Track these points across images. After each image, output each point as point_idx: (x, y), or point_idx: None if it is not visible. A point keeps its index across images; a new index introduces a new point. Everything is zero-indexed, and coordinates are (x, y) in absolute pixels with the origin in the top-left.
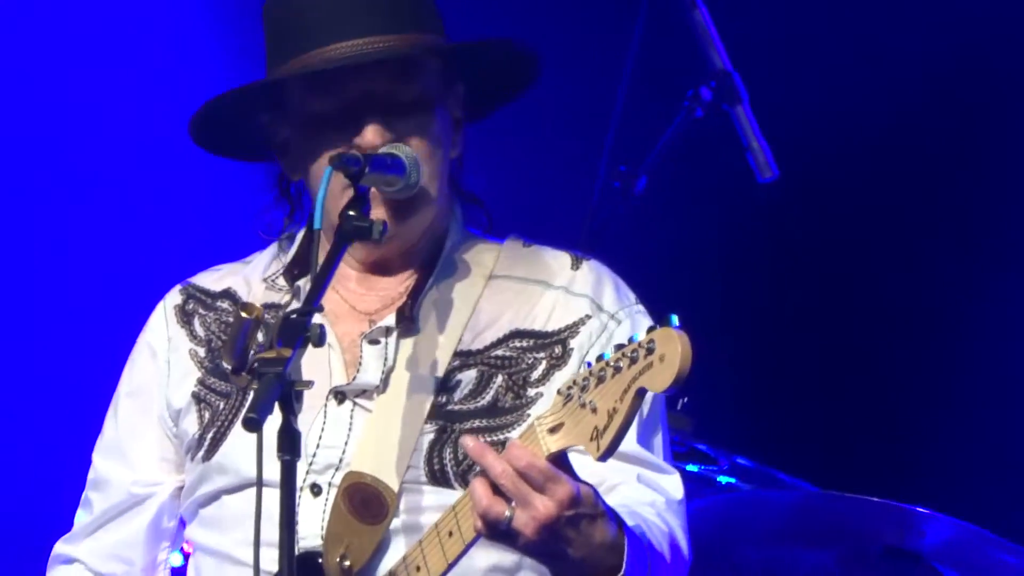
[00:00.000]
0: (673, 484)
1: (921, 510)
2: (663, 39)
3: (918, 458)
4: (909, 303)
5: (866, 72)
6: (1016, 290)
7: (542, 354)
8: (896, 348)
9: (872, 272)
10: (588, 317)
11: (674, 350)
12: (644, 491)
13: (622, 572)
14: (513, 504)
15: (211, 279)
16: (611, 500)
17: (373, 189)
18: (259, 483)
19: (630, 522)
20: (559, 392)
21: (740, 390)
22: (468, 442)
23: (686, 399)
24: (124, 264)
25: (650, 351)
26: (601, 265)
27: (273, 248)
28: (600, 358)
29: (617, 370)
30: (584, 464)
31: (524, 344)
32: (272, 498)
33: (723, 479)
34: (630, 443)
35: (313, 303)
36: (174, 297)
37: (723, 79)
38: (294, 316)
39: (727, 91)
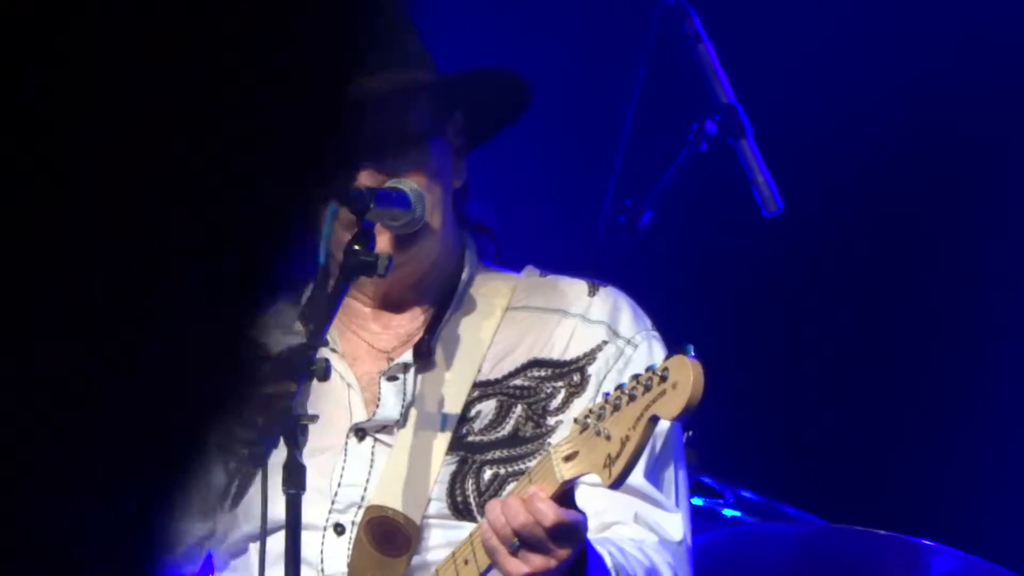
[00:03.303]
0: (673, 524)
1: (927, 543)
2: (668, 73)
3: (926, 491)
4: (918, 336)
5: (872, 105)
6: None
7: (560, 383)
8: (903, 380)
9: (879, 305)
10: (605, 343)
11: (686, 377)
12: (637, 530)
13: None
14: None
15: None
16: (601, 535)
17: (378, 224)
18: (264, 517)
19: (600, 548)
20: (576, 420)
21: (746, 423)
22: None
23: (691, 432)
24: None
25: (663, 379)
26: (618, 291)
27: (284, 298)
28: (619, 387)
29: (632, 398)
30: (587, 497)
31: (542, 373)
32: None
33: (728, 512)
34: (636, 476)
35: (318, 337)
36: None
37: (727, 113)
38: (298, 350)
39: (731, 125)
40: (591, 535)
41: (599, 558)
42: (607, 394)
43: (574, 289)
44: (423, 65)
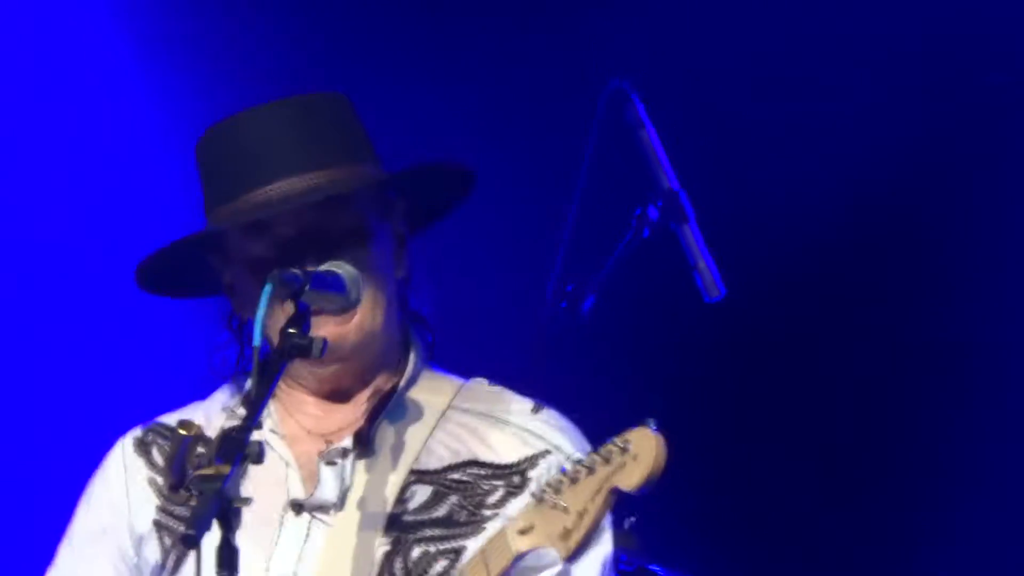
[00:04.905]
0: None
1: None
2: (613, 158)
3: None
4: (863, 422)
5: (815, 191)
6: (973, 388)
7: (500, 482)
8: (853, 469)
9: (822, 391)
10: (548, 452)
11: (648, 448)
12: None
13: None
14: None
15: (170, 417)
16: None
17: (321, 314)
18: None
19: None
20: (532, 494)
21: (691, 508)
22: None
23: (634, 519)
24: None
25: (624, 450)
26: (561, 415)
27: (230, 385)
28: (576, 461)
29: (591, 471)
30: None
31: (481, 472)
32: None
33: None
34: None
35: (252, 420)
36: (133, 433)
37: (670, 198)
38: (233, 433)
39: (674, 210)
40: None
41: None
42: (564, 469)
43: (518, 404)
44: (368, 159)
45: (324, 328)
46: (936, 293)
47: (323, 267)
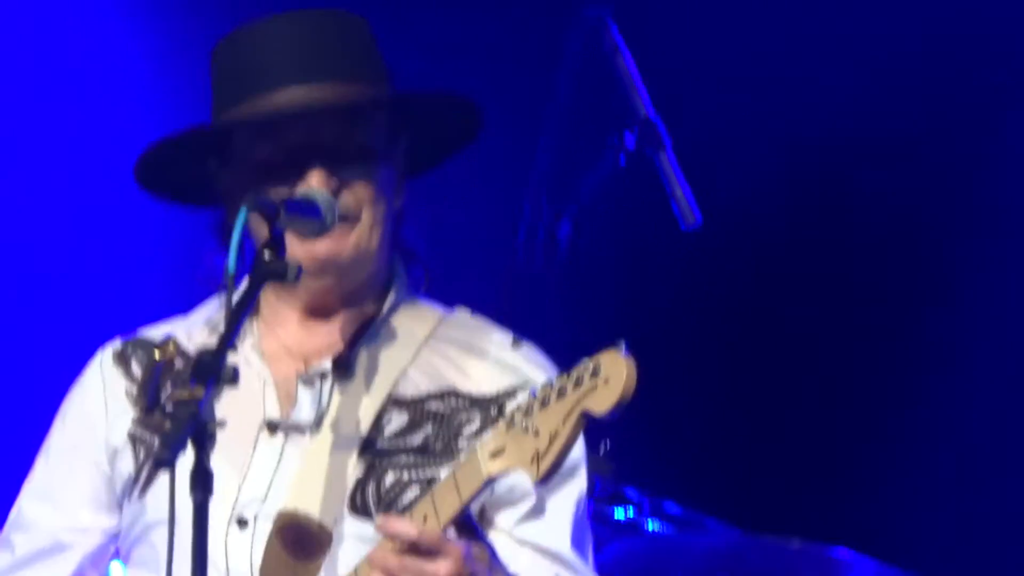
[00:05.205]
0: None
1: (842, 553)
2: (588, 85)
3: (845, 501)
4: (835, 350)
5: (792, 118)
6: (940, 341)
7: (477, 413)
8: (823, 392)
9: (798, 316)
10: (526, 386)
11: (619, 372)
12: None
13: None
14: None
15: (153, 329)
16: None
17: (336, 233)
18: (171, 523)
19: None
20: (503, 417)
21: (667, 434)
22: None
23: (608, 444)
24: (69, 316)
25: (595, 374)
26: (540, 351)
27: (216, 298)
28: (547, 384)
29: (561, 394)
30: (512, 557)
31: (458, 404)
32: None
33: (650, 525)
34: (562, 543)
35: (227, 343)
36: (113, 345)
37: (646, 126)
38: (207, 356)
39: (650, 138)
40: None
41: None
42: (534, 391)
43: (499, 336)
44: (385, 82)
45: (322, 243)
46: (917, 217)
47: (298, 192)
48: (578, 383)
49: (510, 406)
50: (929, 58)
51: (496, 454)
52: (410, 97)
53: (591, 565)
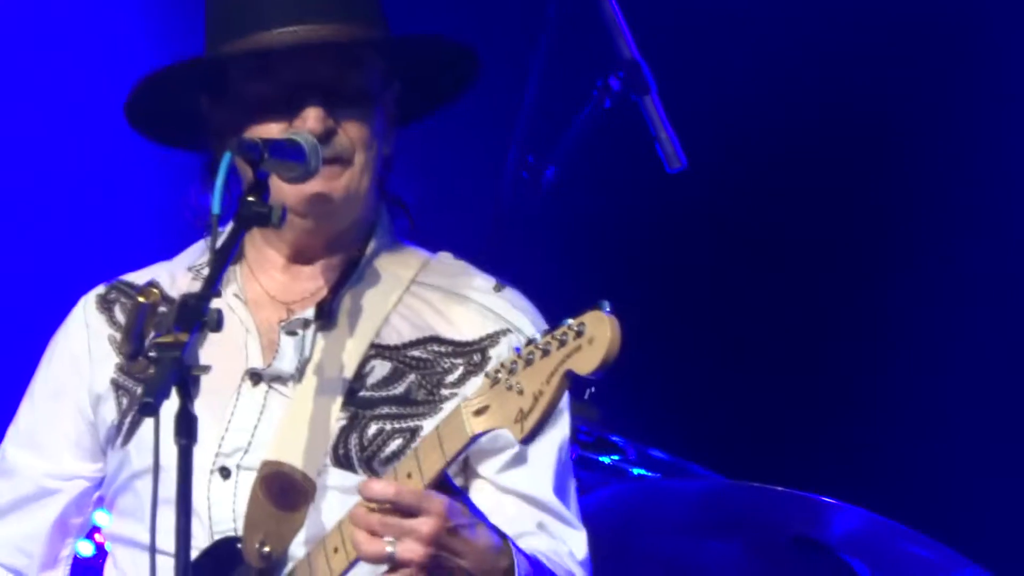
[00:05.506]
0: (578, 541)
1: (828, 500)
2: (572, 28)
3: (830, 449)
4: (821, 295)
5: (778, 61)
6: (923, 286)
7: (460, 360)
8: (808, 339)
9: (782, 263)
10: (508, 331)
11: (603, 332)
12: (545, 539)
13: (515, 568)
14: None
15: (136, 275)
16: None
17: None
18: (155, 469)
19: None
20: (487, 375)
21: (652, 381)
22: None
23: (593, 388)
24: (54, 262)
25: (579, 333)
26: (522, 295)
27: (202, 241)
28: (530, 342)
29: (545, 352)
30: (496, 506)
31: (441, 349)
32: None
33: (636, 471)
34: (545, 490)
35: (212, 288)
36: (96, 290)
37: (631, 69)
38: (191, 301)
39: (635, 81)
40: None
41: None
42: (518, 349)
43: (481, 281)
44: (383, 27)
45: (313, 184)
46: (900, 160)
47: (284, 135)
48: (562, 342)
49: (492, 352)
50: None
51: (480, 411)
52: (410, 40)
53: (575, 511)
